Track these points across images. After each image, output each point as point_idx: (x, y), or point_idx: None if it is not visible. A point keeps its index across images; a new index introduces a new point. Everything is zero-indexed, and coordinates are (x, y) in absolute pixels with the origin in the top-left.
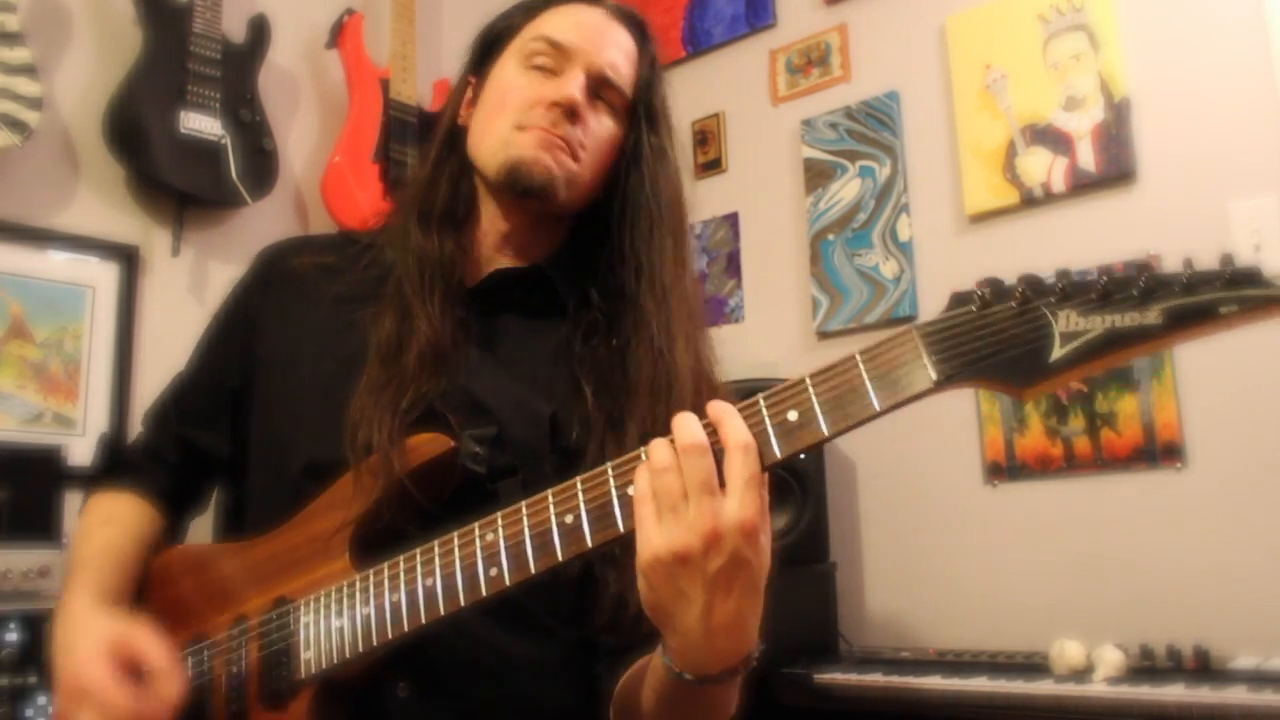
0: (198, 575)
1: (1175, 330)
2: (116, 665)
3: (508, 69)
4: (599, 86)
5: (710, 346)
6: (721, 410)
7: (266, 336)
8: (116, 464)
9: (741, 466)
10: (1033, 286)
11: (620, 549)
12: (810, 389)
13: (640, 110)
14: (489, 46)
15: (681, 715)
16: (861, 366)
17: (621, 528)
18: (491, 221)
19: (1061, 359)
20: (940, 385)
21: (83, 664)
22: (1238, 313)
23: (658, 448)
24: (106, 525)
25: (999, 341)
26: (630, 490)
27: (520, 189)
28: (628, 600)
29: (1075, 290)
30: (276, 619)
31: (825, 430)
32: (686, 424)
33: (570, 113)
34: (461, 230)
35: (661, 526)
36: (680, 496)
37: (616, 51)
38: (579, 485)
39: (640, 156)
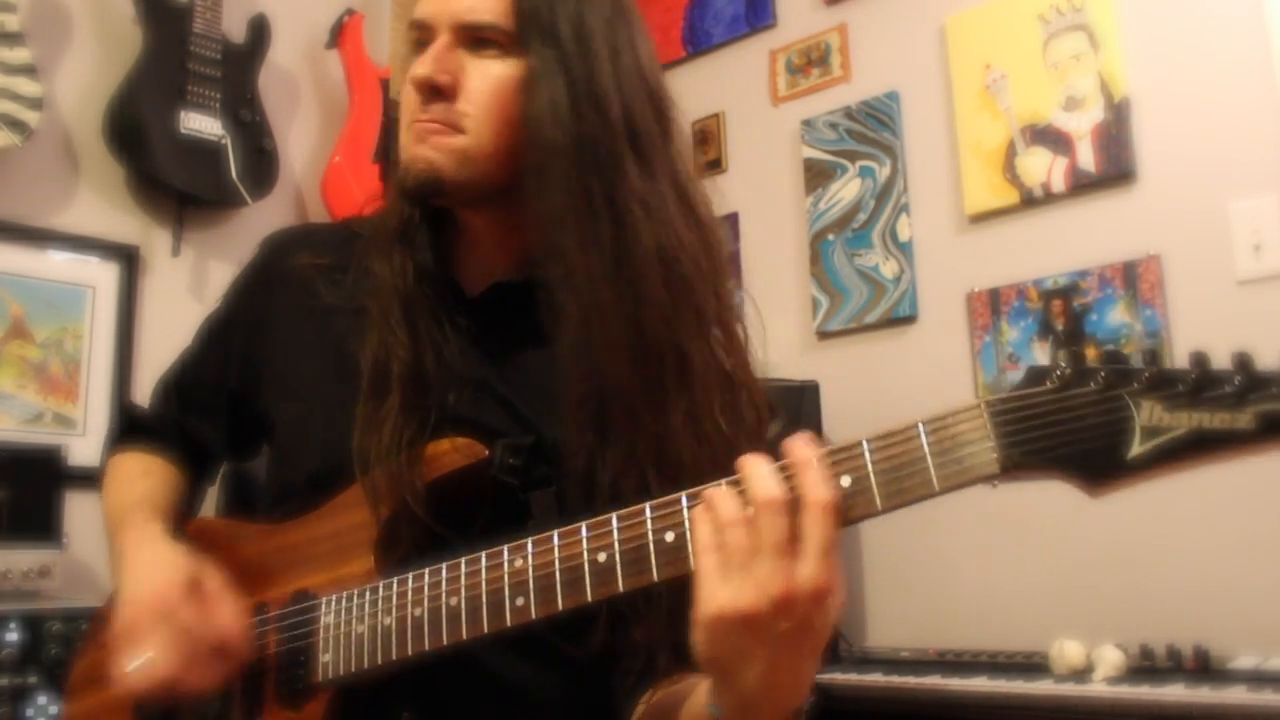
0: (222, 552)
1: (1270, 438)
2: (196, 598)
3: None
4: (471, 37)
5: (679, 313)
6: (802, 455)
7: (267, 345)
8: (136, 428)
9: (821, 526)
10: (1117, 371)
11: (644, 598)
12: (867, 454)
13: (529, 34)
14: None
15: None
16: (924, 438)
17: (656, 576)
18: (463, 223)
19: (1140, 458)
20: (1006, 472)
21: (165, 585)
22: None
23: (723, 498)
24: (148, 475)
25: (1074, 430)
26: (668, 537)
27: (413, 199)
28: (653, 649)
29: (1163, 380)
30: (297, 614)
31: (879, 504)
32: (762, 474)
33: (429, 90)
34: (421, 239)
35: (728, 583)
36: (749, 554)
37: None
38: (614, 522)
39: (531, 85)
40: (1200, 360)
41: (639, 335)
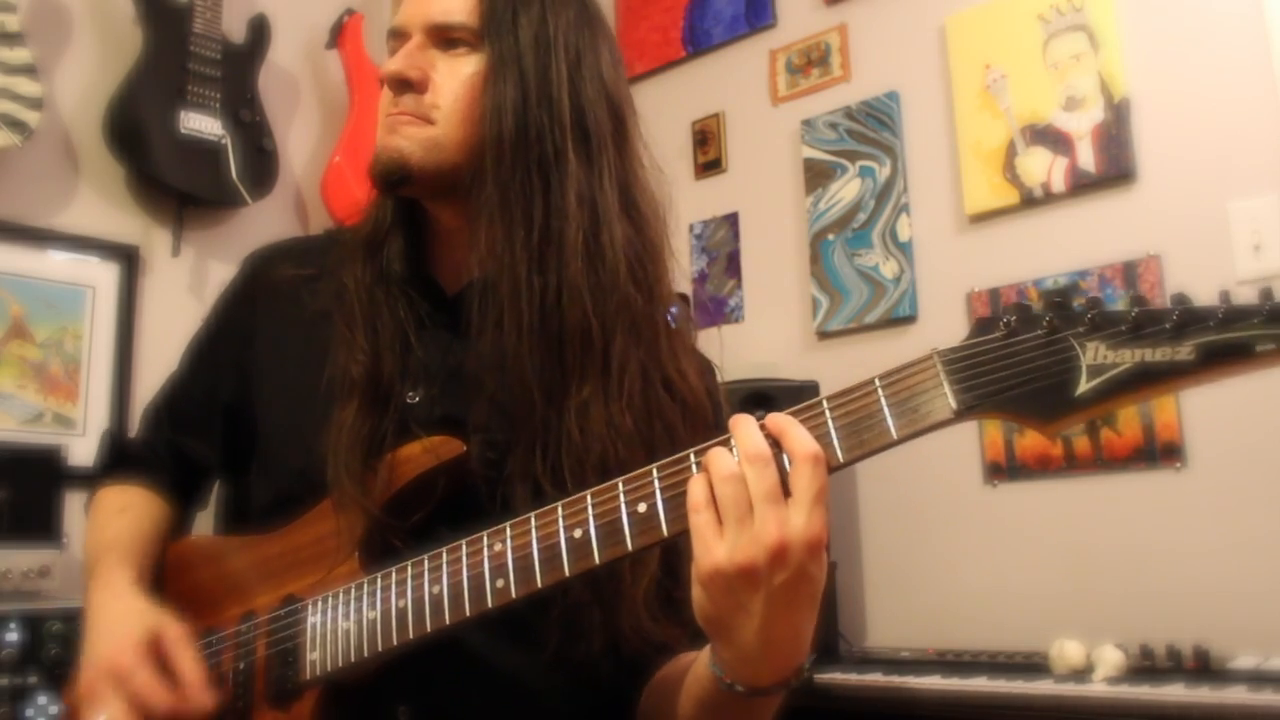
0: (209, 568)
1: (1208, 367)
2: (152, 658)
3: None
4: (441, 36)
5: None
6: (783, 420)
7: (255, 355)
8: (122, 458)
9: (810, 478)
10: (1061, 315)
11: (624, 567)
12: (827, 412)
13: (491, 31)
14: None
15: None
16: (880, 392)
17: (630, 546)
18: (437, 222)
19: (1087, 393)
20: (960, 415)
21: (120, 648)
22: (1275, 351)
23: (718, 455)
24: (124, 512)
25: (1023, 372)
26: (640, 508)
27: (379, 186)
28: (640, 631)
29: (1105, 321)
30: (285, 617)
31: (840, 456)
32: (748, 431)
33: (398, 85)
34: (393, 242)
35: (724, 538)
36: (745, 507)
37: None
38: (589, 499)
39: (488, 79)
40: (1139, 300)
41: (556, 325)
